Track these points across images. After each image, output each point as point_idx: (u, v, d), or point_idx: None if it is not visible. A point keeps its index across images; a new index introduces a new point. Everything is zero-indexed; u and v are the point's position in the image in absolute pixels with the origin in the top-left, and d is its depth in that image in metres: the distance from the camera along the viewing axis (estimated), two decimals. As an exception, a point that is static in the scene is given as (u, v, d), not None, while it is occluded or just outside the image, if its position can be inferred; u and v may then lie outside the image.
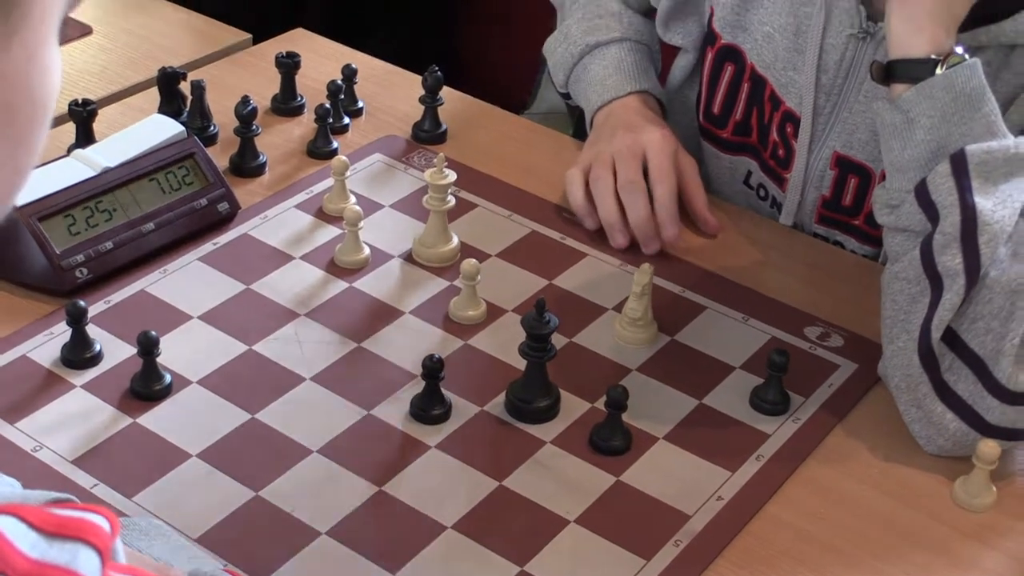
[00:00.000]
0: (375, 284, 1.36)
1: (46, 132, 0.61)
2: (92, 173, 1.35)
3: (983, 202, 1.13)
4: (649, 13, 1.61)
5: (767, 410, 1.23)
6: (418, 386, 1.21)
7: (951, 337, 1.16)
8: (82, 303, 1.23)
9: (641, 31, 1.59)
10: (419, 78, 1.61)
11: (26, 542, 0.54)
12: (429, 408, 1.19)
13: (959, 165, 1.14)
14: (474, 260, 1.31)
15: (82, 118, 1.45)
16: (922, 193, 1.16)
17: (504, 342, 1.28)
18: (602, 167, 1.44)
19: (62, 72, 0.61)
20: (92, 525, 0.57)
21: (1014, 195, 1.15)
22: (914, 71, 1.18)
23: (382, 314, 1.32)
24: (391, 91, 1.68)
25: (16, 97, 0.58)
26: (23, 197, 0.66)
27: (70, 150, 1.40)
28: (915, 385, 1.18)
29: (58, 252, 1.29)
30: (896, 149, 1.19)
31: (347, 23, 2.07)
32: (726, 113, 1.51)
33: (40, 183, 1.29)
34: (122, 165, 1.37)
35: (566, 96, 1.68)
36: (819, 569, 1.09)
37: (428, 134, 1.59)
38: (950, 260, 1.13)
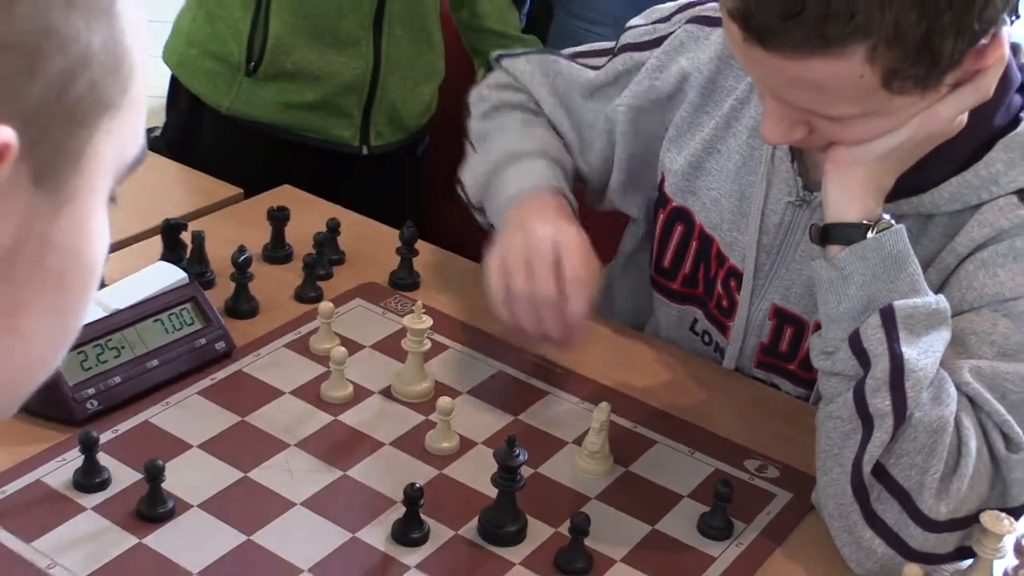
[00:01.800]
0: (358, 417, 1.38)
1: (93, 295, 0.62)
2: (103, 314, 1.38)
3: (909, 352, 1.17)
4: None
5: (713, 535, 1.25)
6: (398, 511, 1.22)
7: (879, 470, 1.19)
8: (94, 433, 1.24)
9: (560, 158, 1.57)
10: (395, 231, 1.66)
11: None
12: (409, 532, 1.21)
13: (888, 318, 1.19)
14: (448, 397, 1.34)
15: (93, 264, 1.47)
16: (855, 342, 1.20)
17: (476, 472, 1.30)
18: (519, 266, 1.37)
19: (109, 237, 0.62)
20: None
21: (935, 346, 1.19)
22: (848, 234, 1.22)
23: (365, 445, 1.34)
24: (370, 242, 1.72)
25: (66, 264, 0.59)
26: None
27: (82, 293, 1.42)
28: (847, 513, 1.21)
29: (71, 385, 1.31)
30: (832, 302, 1.23)
31: (325, 177, 2.11)
32: (675, 267, 1.55)
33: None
34: (130, 307, 1.40)
35: (480, 211, 1.61)
36: None
37: (404, 281, 1.63)
38: (880, 402, 1.17)
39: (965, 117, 1.23)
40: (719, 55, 1.47)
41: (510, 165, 1.53)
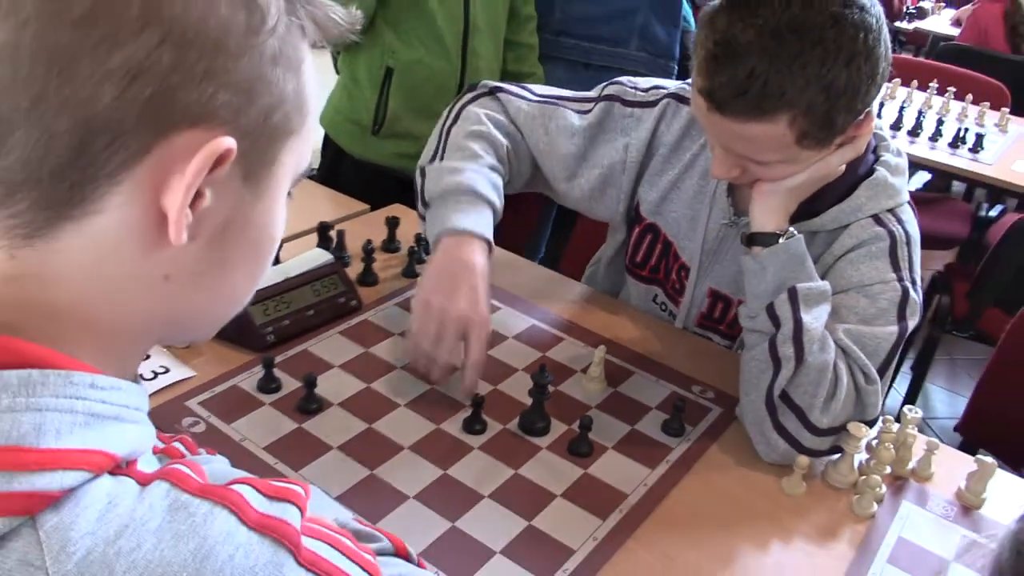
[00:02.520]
0: (441, 351, 1.33)
1: (272, 259, 0.60)
2: (279, 280, 1.34)
3: (806, 318, 1.13)
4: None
5: (672, 434, 1.21)
6: (467, 412, 1.19)
7: (784, 395, 1.15)
8: (271, 356, 1.21)
9: (499, 212, 1.31)
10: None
11: (256, 501, 0.51)
12: (474, 425, 1.17)
13: (793, 296, 1.14)
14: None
15: (273, 248, 1.43)
16: (771, 311, 1.15)
17: (517, 387, 1.26)
18: (432, 333, 1.17)
19: (286, 220, 0.60)
20: (295, 492, 0.54)
21: (822, 315, 1.15)
22: (766, 240, 1.18)
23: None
24: (450, 241, 1.66)
25: (260, 236, 0.57)
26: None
27: (265, 267, 1.38)
28: (760, 422, 1.17)
29: (257, 324, 1.28)
30: (755, 284, 1.18)
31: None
32: (645, 261, 1.49)
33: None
34: (295, 276, 1.36)
35: (423, 202, 1.32)
36: (700, 527, 1.07)
37: (472, 267, 1.57)
38: (786, 350, 1.13)
39: (844, 167, 1.18)
40: (685, 126, 1.41)
41: (470, 201, 1.26)
